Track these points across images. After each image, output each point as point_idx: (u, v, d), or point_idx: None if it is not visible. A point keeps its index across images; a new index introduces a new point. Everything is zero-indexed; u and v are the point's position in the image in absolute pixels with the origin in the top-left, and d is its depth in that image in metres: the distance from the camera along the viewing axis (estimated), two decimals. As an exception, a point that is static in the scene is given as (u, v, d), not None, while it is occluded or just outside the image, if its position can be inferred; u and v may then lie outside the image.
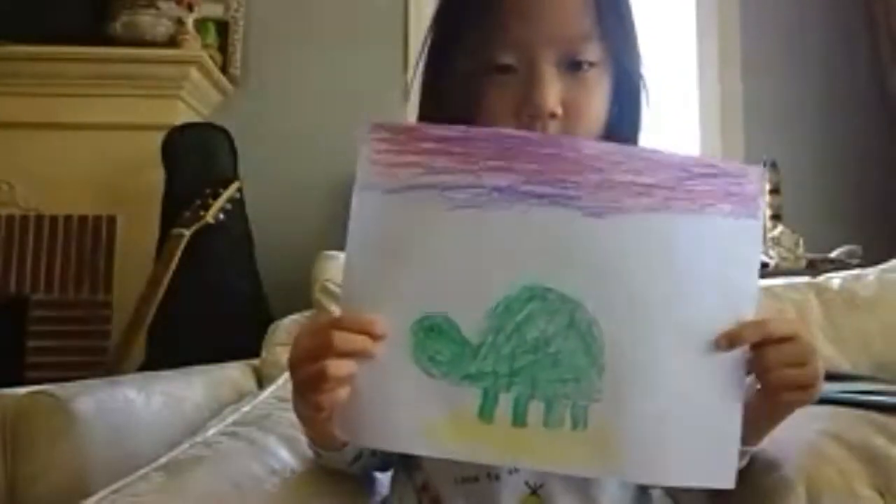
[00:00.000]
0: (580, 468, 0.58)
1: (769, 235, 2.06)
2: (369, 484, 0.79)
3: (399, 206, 0.56)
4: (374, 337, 0.56)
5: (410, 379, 0.56)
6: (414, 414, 0.57)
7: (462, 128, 0.57)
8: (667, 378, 0.56)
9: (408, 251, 0.57)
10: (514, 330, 0.56)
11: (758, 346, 0.57)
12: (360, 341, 0.56)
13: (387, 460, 0.77)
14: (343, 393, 0.57)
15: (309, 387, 0.57)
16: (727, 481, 0.57)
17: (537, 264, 0.56)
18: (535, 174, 0.56)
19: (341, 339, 0.56)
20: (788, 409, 0.62)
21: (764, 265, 1.98)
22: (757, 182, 0.57)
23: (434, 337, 0.56)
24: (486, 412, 0.56)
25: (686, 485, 0.60)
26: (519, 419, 0.56)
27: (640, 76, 0.71)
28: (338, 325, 0.57)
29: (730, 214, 0.56)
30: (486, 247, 0.56)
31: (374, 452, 0.73)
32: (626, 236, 0.56)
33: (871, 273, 1.26)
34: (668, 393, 0.56)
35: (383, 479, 0.79)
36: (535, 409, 0.56)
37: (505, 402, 0.56)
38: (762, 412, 0.61)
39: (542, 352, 0.56)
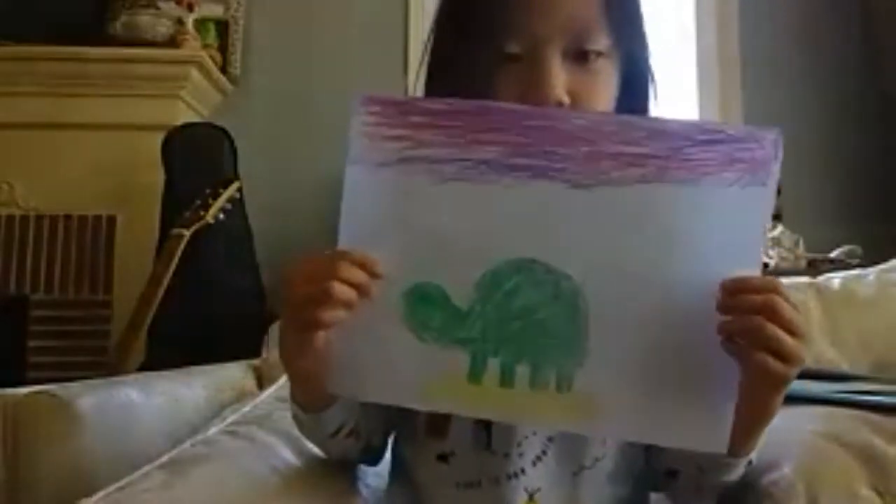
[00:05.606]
0: (566, 426, 0.61)
1: (769, 235, 2.06)
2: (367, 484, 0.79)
3: (389, 179, 0.58)
4: (374, 276, 0.57)
5: (403, 341, 0.58)
6: (408, 373, 0.59)
7: (449, 101, 0.58)
8: (655, 344, 0.57)
9: (399, 223, 0.58)
10: (502, 299, 0.58)
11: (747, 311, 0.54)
12: (362, 275, 0.57)
13: (368, 447, 0.76)
14: (342, 314, 0.57)
15: (310, 303, 0.57)
16: (720, 445, 0.57)
17: (523, 237, 0.57)
18: (523, 147, 0.57)
19: (346, 268, 0.57)
20: (766, 385, 0.56)
21: (764, 265, 1.98)
22: (770, 148, 0.57)
23: (425, 303, 0.58)
24: (474, 374, 0.58)
25: (677, 446, 0.61)
26: (506, 381, 0.58)
27: (648, 69, 0.71)
28: (342, 255, 0.58)
29: (735, 182, 0.56)
30: (473, 220, 0.58)
31: (350, 432, 0.72)
32: (614, 208, 0.56)
33: (871, 273, 1.26)
34: (656, 357, 0.57)
35: (380, 484, 0.80)
36: (522, 372, 0.58)
37: (493, 365, 0.58)
38: (747, 400, 0.57)
39: (528, 319, 0.58)
